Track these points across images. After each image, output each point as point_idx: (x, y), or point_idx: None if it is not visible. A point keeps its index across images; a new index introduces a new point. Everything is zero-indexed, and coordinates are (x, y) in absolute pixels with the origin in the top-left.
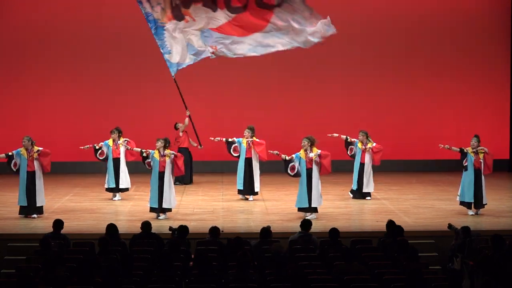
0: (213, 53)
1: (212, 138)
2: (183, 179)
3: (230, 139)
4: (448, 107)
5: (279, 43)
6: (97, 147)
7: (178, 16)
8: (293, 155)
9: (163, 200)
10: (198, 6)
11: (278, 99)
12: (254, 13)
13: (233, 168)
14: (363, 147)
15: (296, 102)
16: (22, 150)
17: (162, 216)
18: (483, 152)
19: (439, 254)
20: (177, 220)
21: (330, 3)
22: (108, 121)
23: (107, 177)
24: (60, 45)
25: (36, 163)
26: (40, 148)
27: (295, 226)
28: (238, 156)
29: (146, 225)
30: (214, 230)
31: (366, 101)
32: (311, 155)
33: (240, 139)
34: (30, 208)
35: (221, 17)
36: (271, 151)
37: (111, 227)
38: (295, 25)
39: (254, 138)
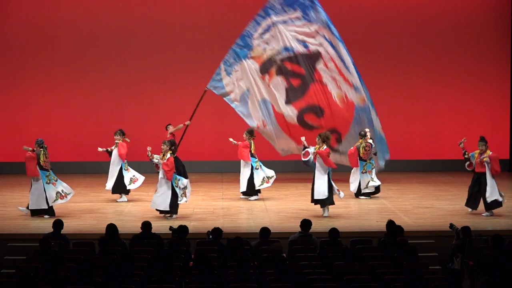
0: (259, 126)
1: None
2: None
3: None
4: (448, 107)
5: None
6: (109, 150)
7: (264, 68)
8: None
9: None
10: (283, 82)
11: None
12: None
13: (233, 168)
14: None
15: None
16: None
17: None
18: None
19: (439, 254)
20: (177, 220)
21: (330, 3)
22: (109, 121)
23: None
24: (60, 45)
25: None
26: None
27: (295, 226)
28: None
29: (146, 225)
30: (217, 231)
31: None
32: (311, 149)
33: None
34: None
35: (286, 111)
36: (302, 138)
37: (111, 227)
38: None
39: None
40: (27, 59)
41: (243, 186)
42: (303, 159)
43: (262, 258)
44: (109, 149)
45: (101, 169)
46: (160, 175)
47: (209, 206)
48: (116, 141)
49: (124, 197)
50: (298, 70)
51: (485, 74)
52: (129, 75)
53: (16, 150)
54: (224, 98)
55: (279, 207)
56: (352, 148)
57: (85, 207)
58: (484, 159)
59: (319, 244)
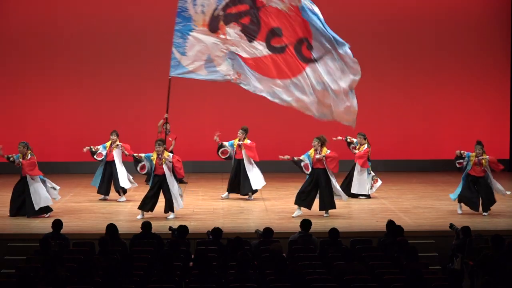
0: (236, 79)
1: (217, 139)
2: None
3: (222, 143)
4: (448, 107)
5: (296, 100)
6: (93, 149)
7: (213, 27)
8: (303, 155)
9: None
10: (236, 28)
11: None
12: (289, 59)
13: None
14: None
15: None
16: (21, 156)
17: (170, 215)
18: (486, 160)
19: (439, 254)
20: (177, 220)
21: (330, 3)
22: (108, 120)
23: (94, 177)
24: (60, 46)
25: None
26: (29, 156)
27: (295, 226)
28: (227, 158)
29: (146, 225)
30: (217, 231)
31: (366, 101)
32: (318, 156)
33: (232, 141)
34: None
35: (255, 50)
36: (281, 156)
37: (111, 227)
38: (321, 93)
39: (246, 141)
40: (27, 59)
41: (254, 184)
42: (306, 172)
43: (262, 258)
44: (92, 148)
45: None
46: (168, 174)
47: (209, 206)
48: (118, 143)
49: (123, 197)
50: (241, 8)
51: (485, 74)
52: (129, 75)
53: (16, 150)
54: (192, 77)
55: (279, 207)
56: (362, 151)
57: (85, 207)
58: (483, 161)
59: (319, 244)
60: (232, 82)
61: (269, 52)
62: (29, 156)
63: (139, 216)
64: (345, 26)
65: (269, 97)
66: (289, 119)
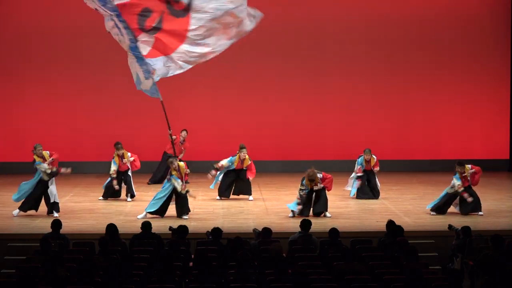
0: (152, 77)
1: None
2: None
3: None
4: (448, 107)
5: (207, 50)
6: (113, 176)
7: (127, 45)
8: (297, 197)
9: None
10: (133, 25)
11: (277, 97)
12: (171, 25)
13: None
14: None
15: (295, 101)
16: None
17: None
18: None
19: (439, 254)
20: (177, 220)
21: (330, 6)
22: (108, 121)
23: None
24: (60, 46)
25: None
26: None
27: (295, 226)
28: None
29: (146, 225)
30: (216, 231)
31: (366, 101)
32: (316, 188)
33: (233, 159)
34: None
35: (146, 43)
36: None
37: (111, 227)
38: (215, 25)
39: (248, 160)
40: (27, 59)
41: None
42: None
43: (262, 258)
44: (113, 176)
45: (101, 169)
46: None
47: (209, 206)
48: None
49: (130, 197)
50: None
51: (485, 74)
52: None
53: (16, 150)
54: (152, 91)
55: (279, 207)
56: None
57: (85, 207)
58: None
59: (319, 244)
60: (156, 80)
61: (152, 36)
62: (47, 153)
63: (140, 216)
64: (345, 26)
65: (182, 71)
66: (289, 119)
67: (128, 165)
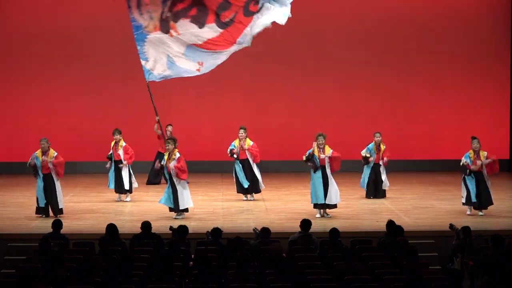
0: (199, 69)
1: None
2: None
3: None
4: (448, 107)
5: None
6: (109, 156)
7: (165, 28)
8: (308, 152)
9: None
10: (185, 21)
11: (277, 97)
12: (235, 28)
13: (233, 168)
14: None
15: (295, 101)
16: (38, 153)
17: (179, 215)
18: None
19: (439, 254)
20: (177, 220)
21: (330, 6)
22: (109, 120)
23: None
24: (59, 45)
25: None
26: (55, 154)
27: (295, 226)
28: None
29: (146, 225)
30: (216, 231)
31: (366, 101)
32: (323, 156)
33: (234, 143)
34: (47, 209)
35: (207, 33)
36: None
37: (111, 227)
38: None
39: (248, 142)
40: (27, 59)
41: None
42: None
43: (262, 258)
44: (110, 156)
45: (101, 169)
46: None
47: (209, 206)
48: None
49: (129, 197)
50: (187, 2)
51: (485, 74)
52: (129, 75)
53: (16, 150)
54: (164, 77)
55: (279, 207)
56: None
57: (85, 207)
58: (488, 160)
59: (319, 244)
60: (199, 74)
61: (220, 30)
62: (54, 154)
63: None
64: (345, 26)
65: (224, 58)
66: (289, 119)
67: (121, 155)
